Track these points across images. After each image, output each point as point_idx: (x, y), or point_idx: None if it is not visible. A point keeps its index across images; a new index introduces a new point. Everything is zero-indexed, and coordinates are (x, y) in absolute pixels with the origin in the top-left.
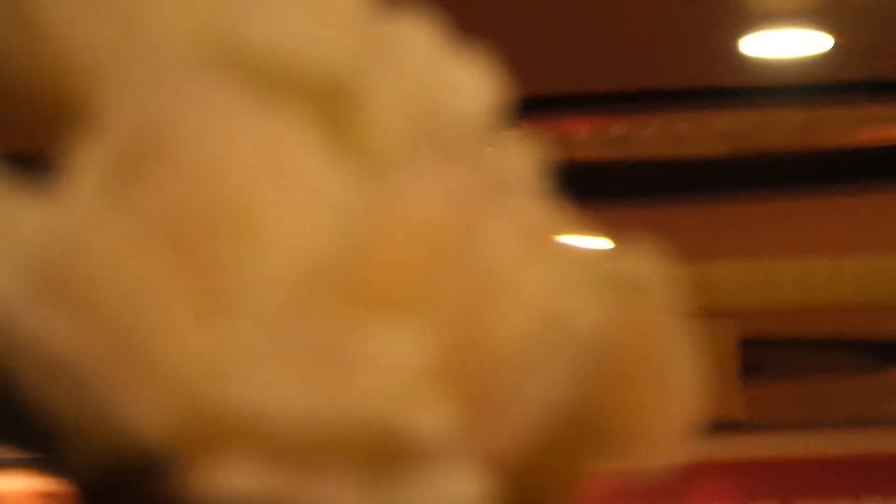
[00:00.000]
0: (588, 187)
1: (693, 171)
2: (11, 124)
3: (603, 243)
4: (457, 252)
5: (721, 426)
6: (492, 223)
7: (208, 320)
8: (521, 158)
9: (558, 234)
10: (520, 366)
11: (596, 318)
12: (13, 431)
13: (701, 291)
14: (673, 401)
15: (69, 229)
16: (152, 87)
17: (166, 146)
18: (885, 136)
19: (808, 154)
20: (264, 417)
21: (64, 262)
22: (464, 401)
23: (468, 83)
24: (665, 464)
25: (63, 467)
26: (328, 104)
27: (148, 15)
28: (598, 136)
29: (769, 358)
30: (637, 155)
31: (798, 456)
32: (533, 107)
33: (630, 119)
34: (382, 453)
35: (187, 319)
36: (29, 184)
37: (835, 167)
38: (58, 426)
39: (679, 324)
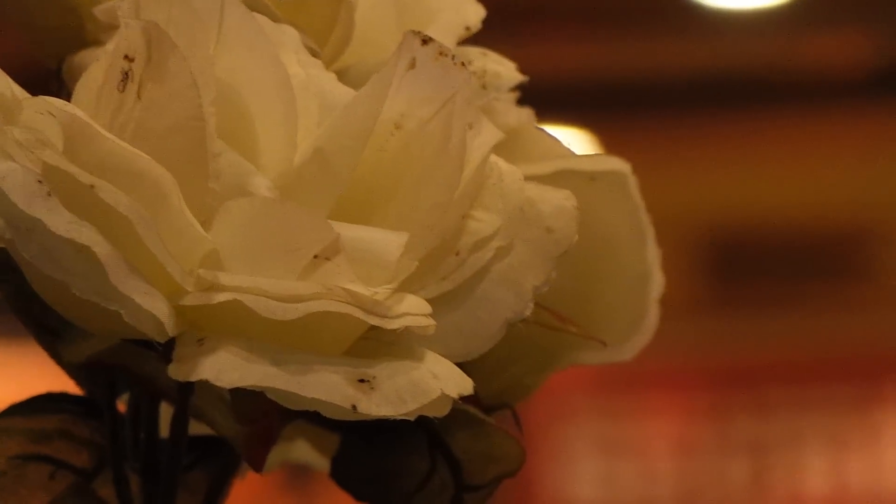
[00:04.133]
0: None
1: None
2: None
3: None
4: (441, 149)
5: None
6: (474, 124)
7: (205, 212)
8: (499, 67)
9: (530, 135)
10: (493, 248)
11: (561, 204)
12: (22, 311)
13: (670, 195)
14: (634, 286)
15: (80, 123)
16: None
17: (172, 49)
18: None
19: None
20: (249, 303)
21: (76, 153)
22: (437, 288)
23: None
24: (628, 355)
25: (61, 347)
26: (321, 10)
27: None
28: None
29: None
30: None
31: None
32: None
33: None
34: (359, 340)
35: (185, 212)
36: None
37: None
38: (61, 308)
39: (639, 213)
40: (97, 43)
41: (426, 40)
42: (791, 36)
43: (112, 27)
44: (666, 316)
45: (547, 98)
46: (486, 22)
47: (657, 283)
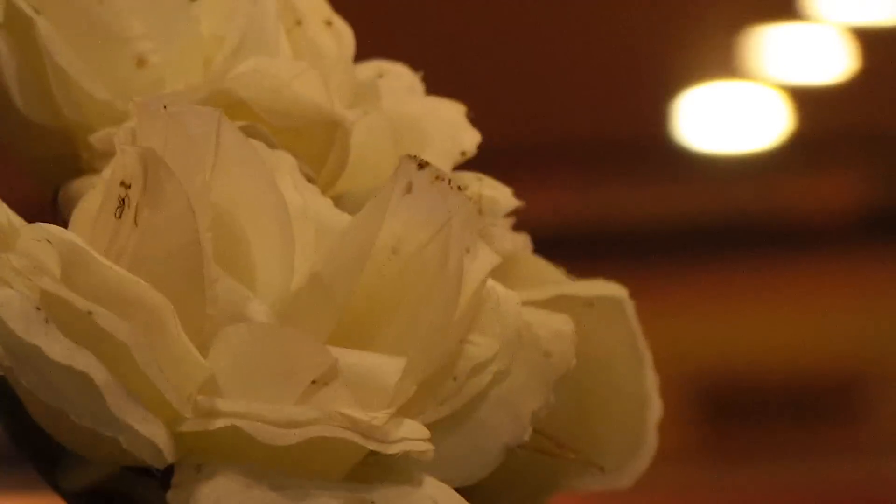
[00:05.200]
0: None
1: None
2: (33, 168)
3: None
4: (438, 273)
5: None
6: (471, 248)
7: (202, 337)
8: (495, 192)
9: (526, 260)
10: (491, 373)
11: (559, 329)
12: (20, 439)
13: (659, 341)
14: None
15: (77, 250)
16: (161, 123)
17: (168, 175)
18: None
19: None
20: (247, 429)
21: (73, 280)
22: (436, 413)
23: (443, 124)
24: (627, 481)
25: (60, 475)
26: (316, 137)
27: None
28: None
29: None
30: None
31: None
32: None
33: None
34: (358, 465)
35: (183, 338)
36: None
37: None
38: (59, 436)
39: (637, 339)
40: (93, 171)
41: (422, 164)
42: (780, 180)
43: (108, 155)
44: (657, 463)
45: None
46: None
47: (655, 408)
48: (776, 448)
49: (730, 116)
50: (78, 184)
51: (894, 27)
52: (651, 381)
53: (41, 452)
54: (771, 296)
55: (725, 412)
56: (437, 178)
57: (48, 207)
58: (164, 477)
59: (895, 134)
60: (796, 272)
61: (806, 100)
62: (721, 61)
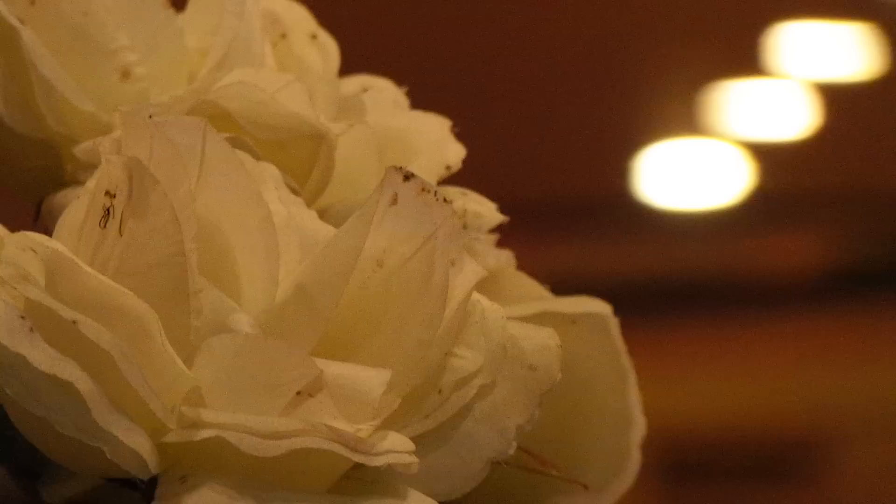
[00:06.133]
0: None
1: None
2: (16, 179)
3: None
4: (423, 286)
5: None
6: (456, 261)
7: (187, 348)
8: (480, 207)
9: (510, 276)
10: (476, 386)
11: (544, 343)
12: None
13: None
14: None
15: (62, 259)
16: (147, 133)
17: (153, 185)
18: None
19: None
20: (232, 440)
21: (58, 289)
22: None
23: (428, 138)
24: (609, 501)
25: (42, 489)
26: (301, 149)
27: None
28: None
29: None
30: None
31: None
32: None
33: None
34: (342, 477)
35: (167, 348)
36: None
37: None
38: (42, 446)
39: (621, 356)
40: (76, 182)
41: (408, 176)
42: (741, 237)
43: (92, 166)
44: None
45: None
46: None
47: (639, 427)
48: None
49: (691, 173)
50: (62, 195)
51: (857, 83)
52: (635, 399)
53: (23, 466)
54: (732, 355)
55: (685, 473)
56: (422, 189)
57: (30, 219)
58: (147, 489)
59: (858, 191)
60: (757, 330)
61: (768, 156)
62: (683, 117)
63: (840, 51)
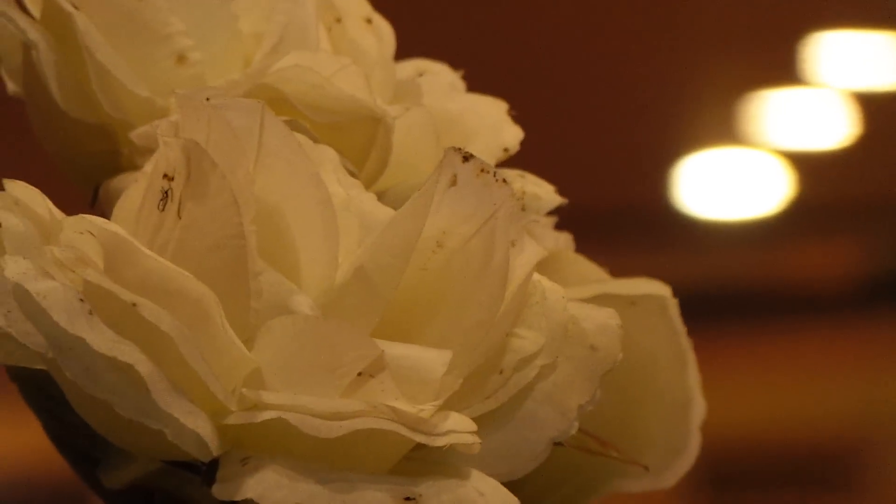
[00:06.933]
0: None
1: None
2: (72, 165)
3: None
4: (484, 267)
5: None
6: (516, 242)
7: (247, 330)
8: (538, 189)
9: (568, 259)
10: (537, 366)
11: (605, 322)
12: (60, 439)
13: None
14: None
15: (121, 241)
16: (204, 116)
17: (212, 167)
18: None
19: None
20: (293, 422)
21: (117, 271)
22: (482, 407)
23: (485, 121)
24: (670, 482)
25: (101, 474)
26: (358, 132)
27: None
28: None
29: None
30: None
31: None
32: None
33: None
34: (404, 458)
35: (228, 330)
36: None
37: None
38: (102, 429)
39: (680, 338)
40: (133, 167)
41: (467, 157)
42: (781, 247)
43: (148, 151)
44: None
45: None
46: None
47: (699, 408)
48: None
49: (730, 183)
50: (118, 180)
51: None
52: (694, 380)
53: (81, 452)
54: (773, 363)
55: (727, 481)
56: (481, 170)
57: (87, 205)
58: (208, 471)
59: None
60: (798, 339)
61: (807, 166)
62: (722, 127)
63: (878, 60)
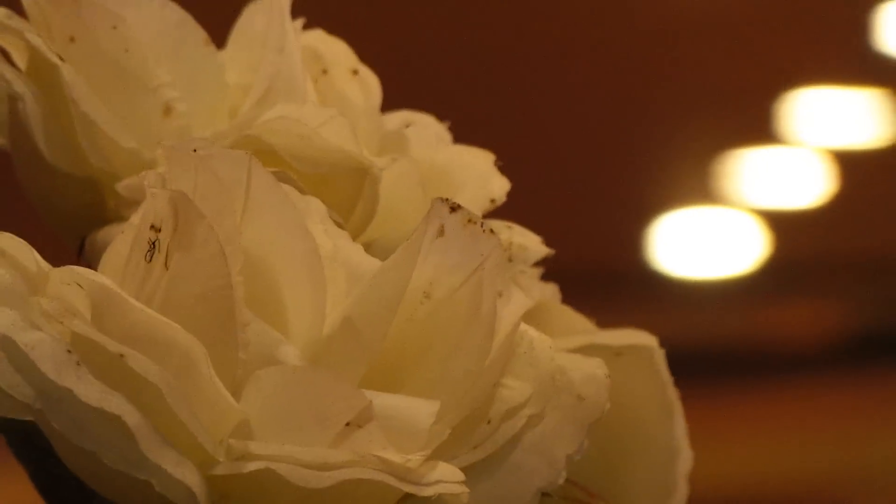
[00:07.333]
0: None
1: None
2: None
3: None
4: (471, 317)
5: None
6: (503, 292)
7: (234, 381)
8: (525, 240)
9: (555, 310)
10: (525, 416)
11: (592, 372)
12: (47, 490)
13: None
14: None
15: (108, 292)
16: (191, 167)
17: (199, 218)
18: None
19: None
20: (281, 472)
21: (104, 323)
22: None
23: (472, 172)
24: None
25: None
26: (345, 184)
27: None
28: None
29: None
30: None
31: None
32: None
33: None
34: None
35: (215, 381)
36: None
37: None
38: (90, 480)
39: (667, 388)
40: (119, 219)
41: (454, 207)
42: (757, 306)
43: (135, 202)
44: None
45: None
46: None
47: (686, 458)
48: None
49: (706, 241)
50: (104, 232)
51: (871, 150)
52: (681, 430)
53: (68, 502)
54: (751, 422)
55: None
56: (469, 221)
57: (73, 258)
58: None
59: (873, 258)
60: (776, 398)
61: (783, 224)
62: (697, 186)
63: (854, 117)
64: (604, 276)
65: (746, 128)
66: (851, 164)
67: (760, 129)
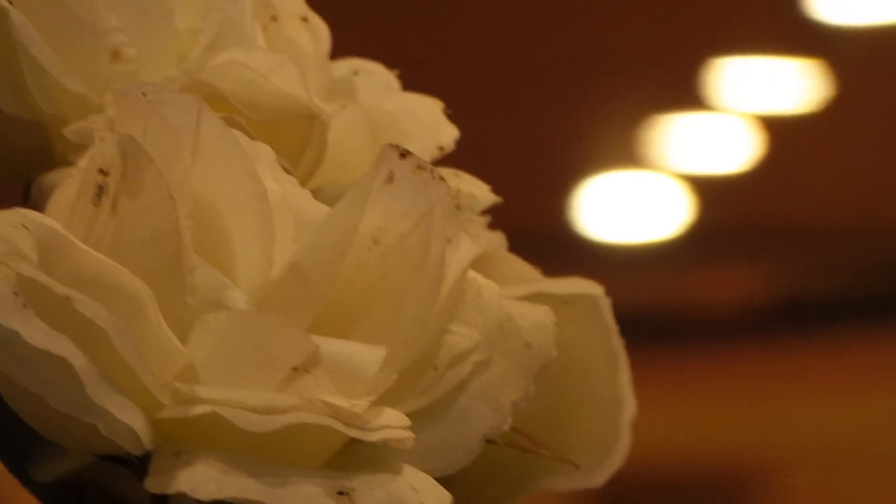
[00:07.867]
0: None
1: None
2: (4, 162)
3: None
4: (420, 263)
5: None
6: (452, 239)
7: (181, 325)
8: (473, 188)
9: (502, 258)
10: (472, 363)
11: (539, 320)
12: None
13: None
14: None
15: (55, 235)
16: (140, 111)
17: (147, 163)
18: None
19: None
20: (226, 416)
21: (51, 266)
22: (416, 403)
23: (420, 120)
24: (599, 480)
25: (32, 467)
26: (294, 130)
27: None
28: None
29: None
30: None
31: None
32: None
33: None
34: (338, 453)
35: (162, 325)
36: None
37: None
38: (35, 423)
39: (612, 337)
40: (67, 164)
41: (404, 154)
42: (681, 270)
43: (82, 147)
44: None
45: None
46: None
47: (630, 407)
48: None
49: (631, 206)
50: (52, 176)
51: (797, 116)
52: (626, 379)
53: (11, 445)
54: (669, 387)
55: None
56: (418, 167)
57: (20, 202)
58: (140, 465)
59: (797, 226)
60: (695, 364)
61: (708, 189)
62: (623, 150)
63: (780, 85)
64: (528, 239)
65: (673, 92)
66: (777, 131)
67: (687, 94)
